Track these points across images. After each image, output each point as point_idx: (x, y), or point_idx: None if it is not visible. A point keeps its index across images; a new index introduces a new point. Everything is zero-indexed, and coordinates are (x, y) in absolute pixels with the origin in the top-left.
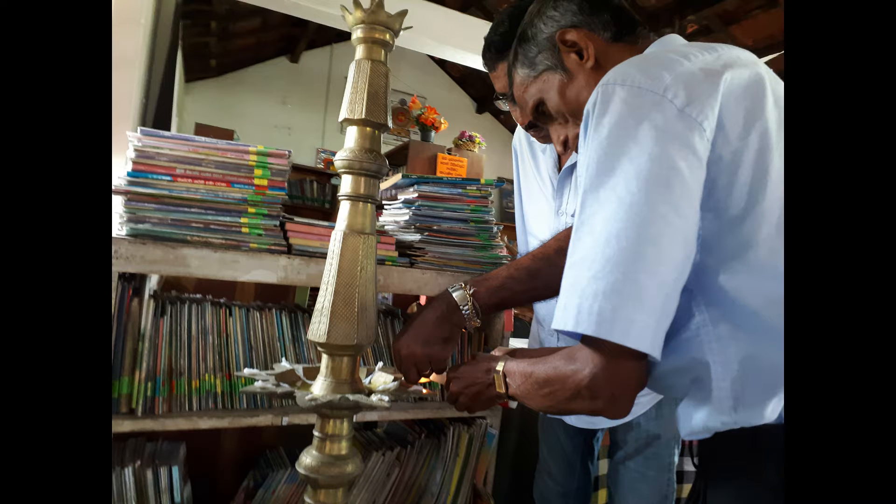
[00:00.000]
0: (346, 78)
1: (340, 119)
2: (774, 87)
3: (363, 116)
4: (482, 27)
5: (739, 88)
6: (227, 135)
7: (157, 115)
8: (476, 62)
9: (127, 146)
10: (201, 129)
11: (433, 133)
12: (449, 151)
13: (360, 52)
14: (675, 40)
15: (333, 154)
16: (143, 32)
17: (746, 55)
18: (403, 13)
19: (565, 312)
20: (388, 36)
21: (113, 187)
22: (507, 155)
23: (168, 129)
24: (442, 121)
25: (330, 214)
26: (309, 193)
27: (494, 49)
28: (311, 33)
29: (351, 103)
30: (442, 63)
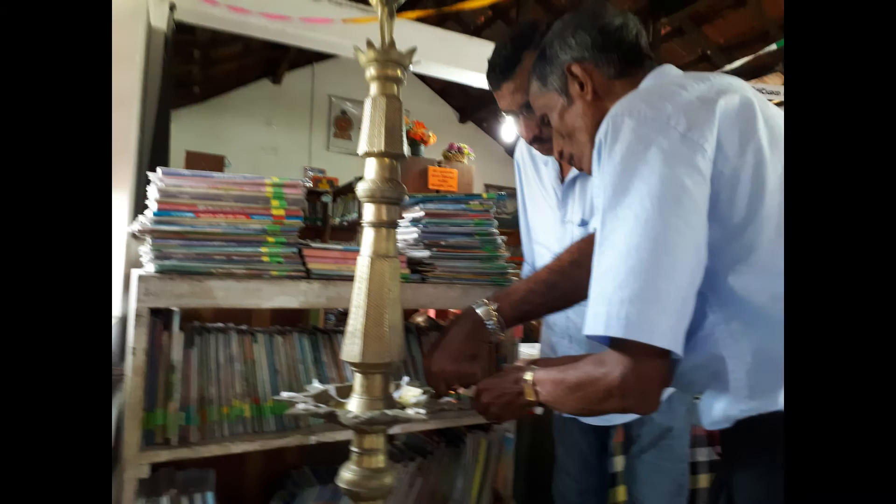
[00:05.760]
0: (329, 96)
1: (360, 153)
2: (763, 108)
3: (382, 149)
4: (460, 41)
5: (733, 112)
6: (218, 161)
7: (154, 147)
8: (456, 75)
9: (126, 181)
10: (192, 157)
11: (422, 147)
12: (439, 164)
13: (374, 88)
14: (669, 71)
15: (321, 172)
16: (137, 69)
17: (737, 82)
18: (413, 50)
19: (595, 319)
20: (399, 72)
21: (140, 226)
22: (493, 161)
23: (166, 160)
24: (430, 135)
25: (322, 232)
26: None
27: (499, 70)
28: (292, 55)
29: (370, 137)
30: (422, 75)
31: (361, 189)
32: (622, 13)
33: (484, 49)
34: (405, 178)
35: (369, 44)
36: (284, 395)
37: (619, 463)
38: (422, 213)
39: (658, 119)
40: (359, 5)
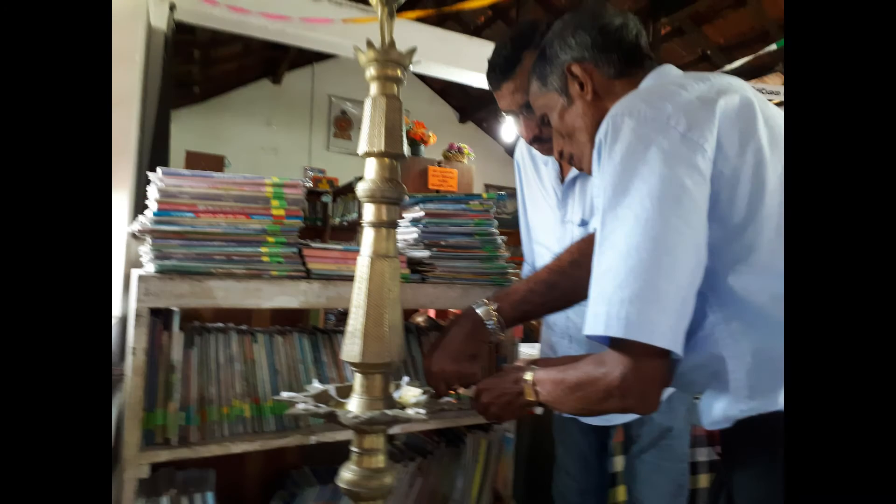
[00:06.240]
0: (329, 96)
1: (360, 153)
2: (763, 108)
3: (382, 149)
4: (461, 41)
5: (733, 112)
6: (218, 161)
7: (154, 147)
8: (456, 75)
9: (126, 180)
10: (192, 157)
11: (422, 147)
12: (439, 164)
13: (374, 88)
14: (669, 71)
15: (321, 172)
16: (137, 69)
17: (737, 82)
18: (413, 50)
19: (595, 319)
20: (399, 72)
21: (140, 226)
22: (493, 161)
23: (166, 160)
24: (430, 135)
25: (322, 232)
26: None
27: (499, 70)
28: (292, 55)
29: (370, 137)
30: (422, 75)
31: (361, 189)
32: (622, 13)
33: (484, 49)
34: (405, 178)
35: (369, 44)
36: (284, 395)
37: (619, 463)
38: (422, 213)
39: (658, 119)
40: (359, 5)
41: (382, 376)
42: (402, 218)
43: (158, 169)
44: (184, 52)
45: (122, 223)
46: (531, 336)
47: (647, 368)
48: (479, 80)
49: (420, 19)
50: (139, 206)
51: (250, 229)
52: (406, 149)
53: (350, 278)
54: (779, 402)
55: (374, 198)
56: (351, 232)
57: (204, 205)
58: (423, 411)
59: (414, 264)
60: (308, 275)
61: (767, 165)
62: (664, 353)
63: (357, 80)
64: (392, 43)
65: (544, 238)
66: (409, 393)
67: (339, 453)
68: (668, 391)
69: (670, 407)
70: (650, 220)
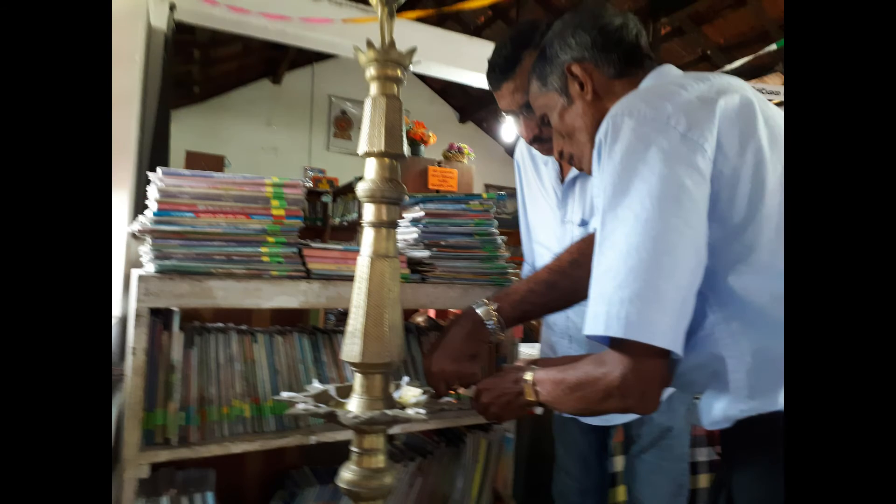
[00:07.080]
0: (329, 96)
1: (360, 153)
2: (763, 108)
3: (382, 149)
4: (461, 41)
5: (733, 112)
6: (218, 161)
7: (154, 147)
8: (456, 75)
9: (126, 180)
10: (192, 157)
11: (422, 147)
12: (439, 164)
13: (374, 88)
14: (669, 70)
15: (321, 172)
16: (137, 69)
17: (737, 81)
18: (413, 50)
19: (595, 319)
20: (399, 72)
21: (140, 226)
22: (493, 161)
23: (166, 160)
24: (430, 135)
25: (322, 232)
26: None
27: (499, 70)
28: (292, 55)
29: (370, 137)
30: (422, 75)
31: (361, 189)
32: (622, 13)
33: (484, 49)
34: (405, 178)
35: (369, 44)
36: (284, 395)
37: (619, 463)
38: (422, 213)
39: (658, 119)
40: (359, 5)
41: (382, 376)
42: (402, 218)
43: (158, 169)
44: (184, 52)
45: (122, 223)
46: (531, 336)
47: (646, 368)
48: (479, 80)
49: (420, 19)
50: (139, 206)
51: (250, 229)
52: (406, 149)
53: (350, 278)
54: (779, 402)
55: (374, 198)
56: (351, 232)
57: (204, 205)
58: (423, 411)
59: (414, 264)
60: (308, 275)
61: (767, 165)
62: (664, 353)
63: (357, 80)
64: (392, 43)
65: (544, 238)
66: (409, 393)
67: (339, 453)
68: (668, 391)
69: (670, 407)
70: (650, 220)
